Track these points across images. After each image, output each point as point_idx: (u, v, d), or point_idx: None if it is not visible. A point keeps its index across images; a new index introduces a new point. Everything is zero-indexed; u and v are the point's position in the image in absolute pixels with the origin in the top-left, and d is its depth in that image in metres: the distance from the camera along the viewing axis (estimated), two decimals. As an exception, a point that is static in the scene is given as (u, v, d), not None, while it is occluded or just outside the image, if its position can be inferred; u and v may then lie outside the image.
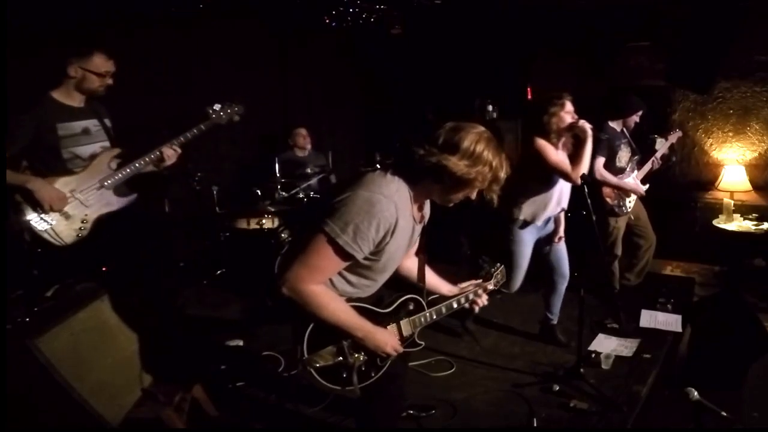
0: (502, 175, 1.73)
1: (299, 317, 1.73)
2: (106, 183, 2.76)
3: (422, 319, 1.97)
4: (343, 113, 6.34)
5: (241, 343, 3.65)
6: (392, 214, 1.64)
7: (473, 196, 1.77)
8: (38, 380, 1.96)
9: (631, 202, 4.16)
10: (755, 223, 4.64)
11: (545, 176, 3.15)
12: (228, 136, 3.12)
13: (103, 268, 2.59)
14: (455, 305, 2.06)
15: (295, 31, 5.43)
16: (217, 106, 3.00)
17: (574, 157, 3.08)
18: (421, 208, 1.86)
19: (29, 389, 2.00)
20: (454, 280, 2.18)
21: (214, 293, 4.33)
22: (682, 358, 3.28)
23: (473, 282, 2.17)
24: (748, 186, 4.87)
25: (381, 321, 1.85)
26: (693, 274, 4.93)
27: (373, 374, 1.85)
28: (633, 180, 4.14)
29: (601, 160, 3.94)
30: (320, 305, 1.67)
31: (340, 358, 1.76)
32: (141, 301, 2.63)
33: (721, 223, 4.71)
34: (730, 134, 5.08)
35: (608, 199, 4.05)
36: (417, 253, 2.06)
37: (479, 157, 1.66)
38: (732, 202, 4.77)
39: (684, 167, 5.36)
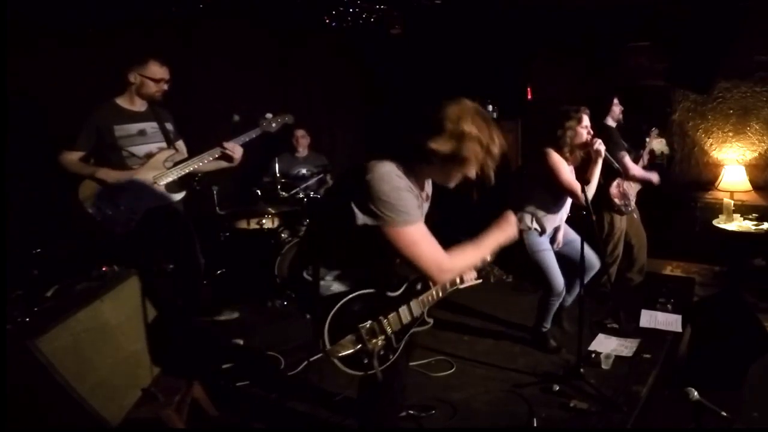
0: (496, 149, 1.73)
1: (316, 312, 1.78)
2: (159, 180, 3.06)
3: (429, 298, 2.02)
4: (342, 113, 6.34)
5: (241, 342, 3.65)
6: (401, 180, 1.68)
7: (472, 174, 1.77)
8: (38, 380, 1.95)
9: (633, 200, 4.21)
10: (755, 223, 4.64)
11: (552, 189, 3.14)
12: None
13: (104, 268, 2.60)
14: (458, 280, 2.12)
15: (295, 31, 5.43)
16: (269, 115, 3.23)
17: (581, 173, 3.08)
18: (423, 188, 1.88)
19: (29, 389, 2.00)
20: None
21: (215, 293, 4.33)
22: (682, 358, 3.29)
23: None
24: (748, 186, 4.87)
25: (393, 304, 1.90)
26: (693, 274, 4.93)
27: (390, 356, 1.90)
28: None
29: (627, 157, 3.98)
30: (463, 267, 1.80)
31: (360, 345, 1.80)
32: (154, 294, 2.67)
33: (721, 223, 4.71)
34: (730, 134, 5.08)
35: (615, 199, 4.08)
36: None
37: (465, 134, 1.67)
38: (732, 202, 4.77)
39: (684, 167, 5.36)
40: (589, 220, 2.99)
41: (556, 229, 3.38)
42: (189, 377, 2.58)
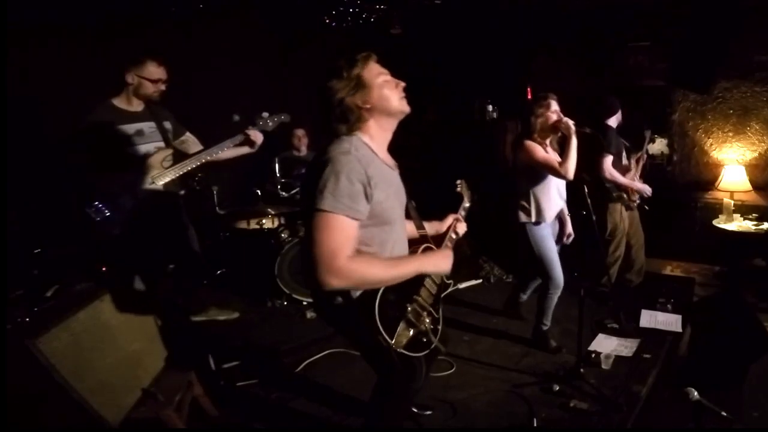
0: (369, 66, 1.80)
1: (359, 316, 1.77)
2: (157, 179, 3.05)
3: None
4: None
5: (241, 342, 3.65)
6: (355, 164, 1.68)
7: (396, 90, 1.83)
8: (38, 380, 1.95)
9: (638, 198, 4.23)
10: (755, 223, 4.64)
11: (540, 175, 3.23)
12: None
13: (103, 268, 2.61)
14: (454, 237, 2.24)
15: (295, 31, 5.43)
16: (265, 114, 3.23)
17: (562, 154, 3.14)
18: (387, 155, 1.92)
19: (29, 389, 2.00)
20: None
21: (214, 293, 4.33)
22: (682, 358, 3.29)
23: (452, 215, 2.33)
24: (748, 186, 4.87)
25: (417, 280, 1.92)
26: (693, 274, 4.93)
27: (438, 327, 2.01)
28: (636, 179, 4.19)
29: (609, 159, 3.96)
30: (362, 280, 1.69)
31: (413, 328, 1.87)
32: (152, 297, 2.68)
33: (721, 223, 4.71)
34: (730, 134, 5.08)
35: (625, 194, 4.10)
36: (406, 204, 2.10)
37: (352, 75, 1.77)
38: (732, 202, 4.77)
39: (684, 167, 5.36)
40: (590, 220, 3.00)
41: (562, 223, 3.46)
42: (189, 376, 2.58)
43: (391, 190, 1.83)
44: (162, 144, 3.18)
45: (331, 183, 1.65)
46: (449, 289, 2.14)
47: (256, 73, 5.22)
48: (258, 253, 4.32)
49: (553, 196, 3.29)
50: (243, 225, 4.46)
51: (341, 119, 1.79)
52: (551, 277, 3.30)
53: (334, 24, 5.30)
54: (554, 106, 3.20)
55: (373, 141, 1.83)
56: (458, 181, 2.46)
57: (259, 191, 4.65)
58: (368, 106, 1.79)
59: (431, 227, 2.23)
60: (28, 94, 3.47)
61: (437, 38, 5.86)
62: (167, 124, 3.27)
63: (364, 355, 2.01)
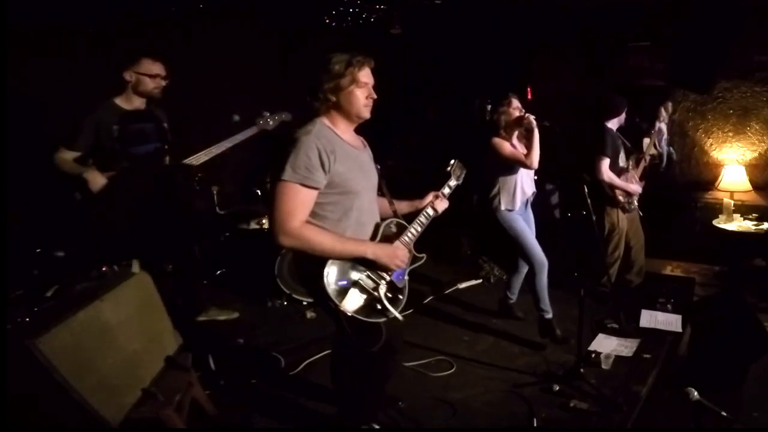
0: (359, 71, 2.01)
1: (313, 281, 1.93)
2: (156, 179, 3.10)
3: (409, 236, 2.20)
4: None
5: (241, 341, 3.65)
6: (313, 142, 1.92)
7: (363, 99, 2.04)
8: (38, 380, 1.95)
9: (636, 199, 4.23)
10: (755, 223, 4.64)
11: (506, 168, 3.51)
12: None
13: (103, 268, 2.60)
14: (431, 212, 2.31)
15: (295, 31, 5.43)
16: (266, 113, 3.29)
17: (528, 147, 3.42)
18: (352, 137, 2.15)
19: (29, 389, 2.00)
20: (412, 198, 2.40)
21: (214, 293, 4.33)
22: (682, 358, 3.29)
23: (432, 193, 2.41)
24: (748, 186, 4.87)
25: None
26: (693, 274, 4.93)
27: (400, 296, 2.12)
28: (635, 181, 4.18)
29: (606, 161, 3.96)
30: (310, 244, 1.90)
31: (366, 294, 1.98)
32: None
33: (721, 223, 4.71)
34: (730, 134, 5.08)
35: (620, 197, 4.10)
36: (379, 182, 2.26)
37: (334, 71, 2.00)
38: (732, 202, 4.77)
39: (684, 167, 5.36)
40: (590, 220, 3.00)
41: (530, 207, 3.70)
42: (189, 376, 2.57)
43: (354, 164, 2.04)
44: (162, 144, 3.18)
45: (292, 157, 1.90)
46: (419, 262, 2.24)
47: (256, 73, 5.22)
48: (258, 253, 4.32)
49: (520, 185, 3.54)
50: (243, 225, 4.46)
51: (313, 98, 2.04)
52: (532, 256, 3.48)
53: (334, 24, 5.30)
54: (515, 103, 3.52)
55: (336, 127, 2.06)
56: (452, 161, 2.52)
57: (259, 191, 4.65)
58: (334, 99, 2.02)
59: (410, 205, 2.35)
60: (28, 94, 3.46)
61: (437, 38, 5.86)
62: (166, 125, 3.28)
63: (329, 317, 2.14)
